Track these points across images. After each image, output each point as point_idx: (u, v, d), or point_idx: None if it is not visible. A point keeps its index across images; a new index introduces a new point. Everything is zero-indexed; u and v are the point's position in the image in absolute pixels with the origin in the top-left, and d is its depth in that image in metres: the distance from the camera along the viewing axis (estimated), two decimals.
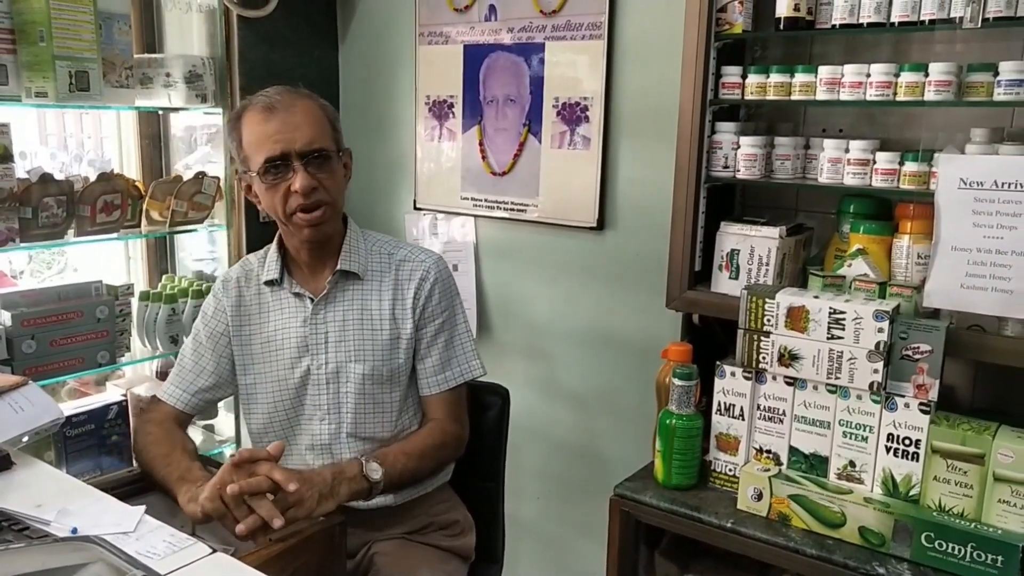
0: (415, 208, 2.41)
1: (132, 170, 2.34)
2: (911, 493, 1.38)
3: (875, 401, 1.40)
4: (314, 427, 1.54)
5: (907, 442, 1.37)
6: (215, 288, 1.60)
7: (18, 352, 1.81)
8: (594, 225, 2.06)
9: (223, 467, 1.29)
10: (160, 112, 2.33)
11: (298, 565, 1.31)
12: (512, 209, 2.21)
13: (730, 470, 1.56)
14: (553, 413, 2.25)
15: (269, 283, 1.55)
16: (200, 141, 2.34)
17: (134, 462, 2.07)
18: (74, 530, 1.20)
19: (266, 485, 1.27)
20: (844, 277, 1.51)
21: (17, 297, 1.87)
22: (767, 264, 1.61)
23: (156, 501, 1.39)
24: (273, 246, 1.56)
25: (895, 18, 1.42)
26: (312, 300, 1.52)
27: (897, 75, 1.43)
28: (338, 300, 1.53)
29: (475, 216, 2.30)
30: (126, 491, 1.44)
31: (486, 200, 2.26)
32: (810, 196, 1.74)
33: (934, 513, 1.35)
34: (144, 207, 2.07)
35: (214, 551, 1.17)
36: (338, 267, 1.52)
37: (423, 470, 1.49)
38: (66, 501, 1.29)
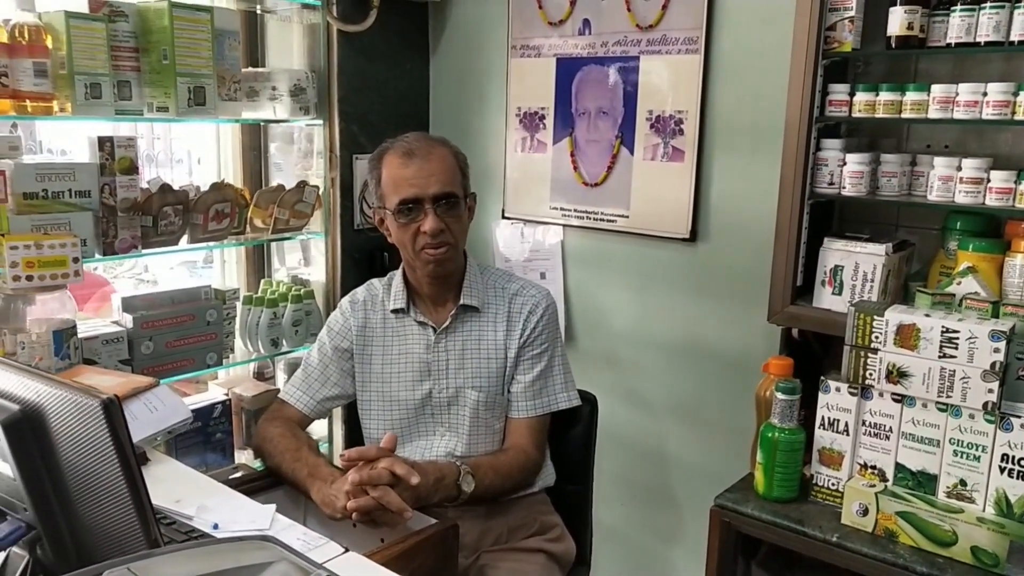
0: (503, 217, 2.46)
1: (233, 179, 2.44)
2: None
3: (989, 421, 1.39)
4: (432, 443, 1.63)
5: (1023, 463, 1.37)
6: (343, 306, 1.70)
7: (137, 353, 1.92)
8: (687, 236, 2.08)
9: (352, 470, 1.36)
10: (262, 124, 2.42)
11: (415, 567, 1.36)
12: (602, 219, 2.24)
13: (833, 484, 1.56)
14: (637, 421, 2.28)
15: (396, 311, 1.64)
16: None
17: (237, 458, 2.20)
18: (215, 526, 1.28)
19: (386, 477, 1.35)
20: (954, 295, 1.51)
21: (136, 301, 1.97)
22: (871, 280, 1.62)
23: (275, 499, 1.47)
24: (399, 278, 1.66)
25: (1015, 36, 1.42)
26: (435, 330, 1.62)
27: (1016, 94, 1.42)
28: (458, 331, 1.62)
29: (563, 225, 2.34)
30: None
31: (575, 210, 2.29)
32: (911, 212, 1.74)
33: None
34: (249, 215, 2.16)
35: (347, 550, 1.23)
36: (460, 301, 1.61)
37: (503, 490, 1.57)
38: (202, 497, 1.37)
